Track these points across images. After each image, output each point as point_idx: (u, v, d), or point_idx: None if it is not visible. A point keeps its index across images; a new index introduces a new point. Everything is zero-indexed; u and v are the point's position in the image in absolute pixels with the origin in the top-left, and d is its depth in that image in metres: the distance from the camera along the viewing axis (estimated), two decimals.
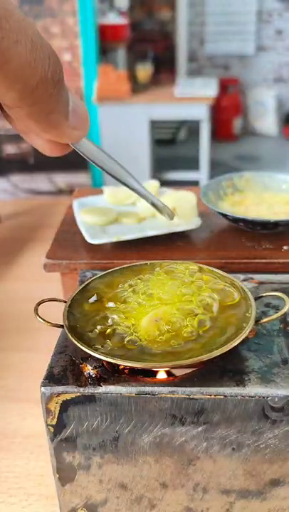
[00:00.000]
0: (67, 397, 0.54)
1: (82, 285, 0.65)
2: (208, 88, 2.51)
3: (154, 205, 0.42)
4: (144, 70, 2.69)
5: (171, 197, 0.95)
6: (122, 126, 2.41)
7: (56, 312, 0.63)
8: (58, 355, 0.59)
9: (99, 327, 0.57)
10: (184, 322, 0.56)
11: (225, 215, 0.89)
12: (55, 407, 0.55)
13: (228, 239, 0.90)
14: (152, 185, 1.01)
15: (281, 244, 0.86)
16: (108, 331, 0.56)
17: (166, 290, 0.62)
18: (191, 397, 0.53)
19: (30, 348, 1.44)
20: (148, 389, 0.53)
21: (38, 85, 0.24)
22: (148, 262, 0.70)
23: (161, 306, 0.59)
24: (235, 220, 0.89)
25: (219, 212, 0.89)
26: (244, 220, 0.87)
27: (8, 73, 0.23)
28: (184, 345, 0.54)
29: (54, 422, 0.56)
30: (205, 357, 0.51)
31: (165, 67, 3.56)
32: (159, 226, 0.90)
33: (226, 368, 0.56)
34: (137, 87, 2.55)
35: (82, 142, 0.34)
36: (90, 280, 0.66)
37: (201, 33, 3.80)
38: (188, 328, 0.56)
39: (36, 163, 2.63)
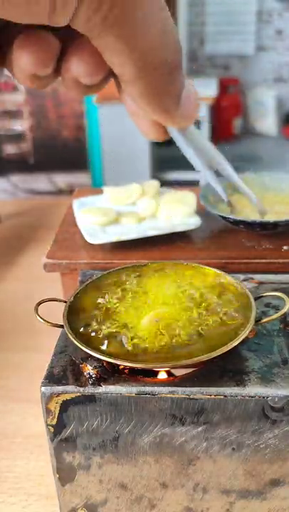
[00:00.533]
0: (67, 397, 0.54)
1: (82, 285, 0.65)
2: (208, 88, 2.51)
3: (252, 200, 0.44)
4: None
5: (170, 197, 0.95)
6: (122, 126, 2.41)
7: (56, 312, 0.63)
8: (58, 355, 0.58)
9: (99, 327, 0.57)
10: (183, 322, 0.56)
11: (225, 218, 0.89)
12: (55, 407, 0.55)
13: (228, 239, 0.90)
14: (152, 185, 1.01)
15: (281, 244, 0.86)
16: (108, 331, 0.56)
17: (166, 290, 0.62)
18: (191, 397, 0.53)
19: (30, 348, 1.44)
20: (148, 389, 0.53)
21: (159, 66, 0.25)
22: (148, 262, 0.70)
23: (161, 307, 0.59)
24: (236, 223, 0.88)
25: (220, 215, 0.89)
26: (243, 222, 0.87)
27: (136, 48, 0.24)
28: (183, 346, 0.54)
29: (54, 422, 0.56)
30: (205, 357, 0.51)
31: None
32: (159, 226, 0.90)
33: (226, 367, 0.56)
34: None
35: (187, 131, 0.34)
36: (90, 280, 0.66)
37: (201, 33, 3.80)
38: (188, 328, 0.56)
39: (36, 163, 2.63)
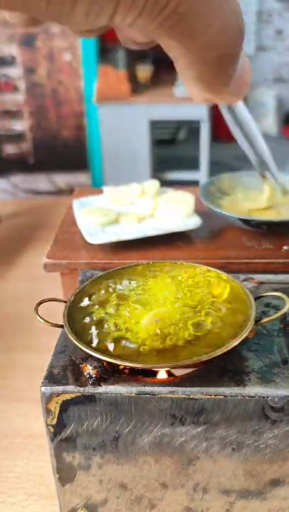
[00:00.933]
0: (67, 397, 0.54)
1: (83, 285, 0.65)
2: None
3: (277, 183, 0.45)
4: (144, 70, 2.69)
5: (170, 197, 0.95)
6: (122, 126, 2.41)
7: (56, 312, 0.63)
8: (58, 355, 0.58)
9: (99, 327, 0.57)
10: (183, 322, 0.56)
11: (226, 216, 0.89)
12: (55, 407, 0.55)
13: (228, 239, 0.90)
14: (152, 185, 1.01)
15: (281, 244, 0.86)
16: (108, 330, 0.56)
17: (165, 290, 0.62)
18: (191, 397, 0.53)
19: (31, 348, 1.44)
20: (148, 389, 0.53)
21: (214, 61, 0.24)
22: (148, 261, 0.70)
23: (160, 307, 0.59)
24: (253, 225, 0.88)
25: (222, 214, 0.89)
26: (246, 221, 0.87)
27: (191, 46, 0.23)
28: (183, 346, 0.54)
29: (54, 422, 0.56)
30: (205, 357, 0.51)
31: (165, 67, 3.56)
32: (158, 226, 0.90)
33: (226, 368, 0.56)
34: (137, 87, 2.55)
35: (238, 106, 0.34)
36: (90, 280, 0.66)
37: None
38: (188, 328, 0.56)
39: (36, 163, 2.63)
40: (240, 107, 0.35)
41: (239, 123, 0.37)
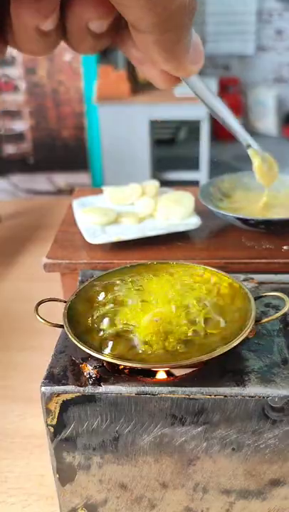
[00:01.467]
0: (67, 397, 0.54)
1: (82, 285, 0.65)
2: None
3: (249, 146, 0.46)
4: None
5: (170, 197, 0.95)
6: (122, 126, 2.41)
7: (56, 312, 0.63)
8: (58, 355, 0.58)
9: (99, 327, 0.57)
10: (183, 322, 0.56)
11: (226, 215, 0.89)
12: (55, 407, 0.55)
13: (228, 239, 0.90)
14: (152, 185, 1.01)
15: (281, 244, 0.86)
16: (108, 330, 0.56)
17: (165, 290, 0.62)
18: (191, 397, 0.53)
19: (31, 348, 1.44)
20: (148, 389, 0.53)
21: (176, 11, 0.23)
22: (148, 262, 0.70)
23: (160, 306, 0.59)
24: (252, 224, 0.88)
25: (220, 213, 0.89)
26: (245, 220, 0.87)
27: (154, 13, 0.22)
28: (183, 345, 0.54)
29: (54, 422, 0.56)
30: (205, 357, 0.51)
31: None
32: (158, 226, 0.90)
33: (226, 368, 0.56)
34: (137, 87, 2.55)
35: (192, 78, 0.35)
36: (90, 280, 0.66)
37: (201, 33, 3.80)
38: (188, 328, 0.56)
39: (36, 163, 2.63)
40: (198, 81, 0.36)
41: (200, 95, 0.38)
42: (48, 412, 0.55)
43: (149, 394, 0.53)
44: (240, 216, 0.87)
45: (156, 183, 1.02)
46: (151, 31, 0.24)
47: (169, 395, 0.53)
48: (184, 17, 0.24)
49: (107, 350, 0.54)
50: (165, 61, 0.26)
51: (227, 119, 0.42)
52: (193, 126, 2.96)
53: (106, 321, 0.58)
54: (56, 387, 0.54)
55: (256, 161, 0.49)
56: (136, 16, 0.23)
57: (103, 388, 0.53)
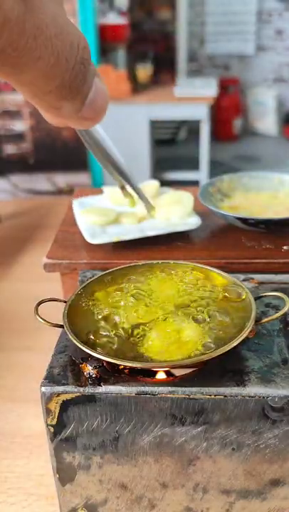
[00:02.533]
0: (67, 397, 0.54)
1: (82, 285, 0.65)
2: (208, 88, 2.51)
3: (142, 199, 0.46)
4: (144, 70, 2.69)
5: (170, 197, 0.95)
6: (122, 126, 2.41)
7: (56, 312, 0.63)
8: (58, 355, 0.58)
9: (99, 327, 0.57)
10: (183, 322, 0.56)
11: (225, 216, 0.89)
12: (55, 407, 0.55)
13: (228, 239, 0.90)
14: (152, 185, 1.01)
15: (281, 244, 0.86)
16: (108, 330, 0.56)
17: (165, 290, 0.62)
18: (191, 397, 0.53)
19: (30, 348, 1.44)
20: (148, 389, 0.53)
21: (52, 91, 0.24)
22: (148, 262, 0.70)
23: (160, 306, 0.59)
24: (251, 224, 0.88)
25: (220, 213, 0.89)
26: (245, 220, 0.87)
27: (21, 82, 0.23)
28: (183, 345, 0.54)
29: (54, 422, 0.56)
30: (205, 357, 0.51)
31: (165, 67, 3.56)
32: (158, 226, 0.90)
33: (226, 367, 0.56)
34: (137, 87, 2.55)
35: (90, 129, 0.35)
36: (90, 280, 0.66)
37: (201, 33, 3.80)
38: (188, 328, 0.56)
39: (36, 163, 2.63)
40: (96, 129, 0.36)
41: (96, 144, 0.37)
42: (48, 412, 0.55)
43: (149, 394, 0.53)
44: (240, 216, 0.87)
45: (156, 183, 1.02)
46: (32, 100, 0.25)
47: (169, 395, 0.53)
48: (62, 94, 0.25)
49: (107, 350, 0.54)
50: (51, 117, 0.27)
51: (126, 175, 0.42)
52: (193, 126, 2.97)
53: (106, 320, 0.58)
54: (56, 387, 0.54)
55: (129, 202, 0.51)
56: (12, 83, 0.24)
57: (103, 388, 0.53)
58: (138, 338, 0.55)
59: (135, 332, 0.56)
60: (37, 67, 0.23)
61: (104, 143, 0.37)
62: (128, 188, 0.44)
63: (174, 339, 0.55)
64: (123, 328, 0.56)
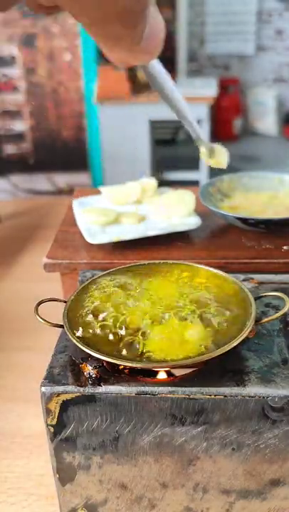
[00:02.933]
0: (67, 397, 0.54)
1: (82, 285, 0.65)
2: (208, 88, 2.51)
3: (199, 140, 0.46)
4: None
5: (170, 197, 0.95)
6: (122, 126, 2.40)
7: (56, 312, 0.63)
8: (58, 355, 0.58)
9: (99, 327, 0.57)
10: (185, 321, 0.56)
11: (225, 216, 0.89)
12: (55, 407, 0.55)
13: (228, 239, 0.90)
14: (150, 184, 1.01)
15: (281, 244, 0.86)
16: (108, 330, 0.56)
17: (165, 290, 0.62)
18: (191, 397, 0.53)
19: (30, 348, 1.44)
20: (148, 389, 0.53)
21: (112, 19, 0.24)
22: (148, 261, 0.70)
23: (160, 306, 0.59)
24: (251, 224, 0.88)
25: (220, 213, 0.89)
26: (244, 220, 0.87)
27: (81, 6, 0.23)
28: (183, 345, 0.54)
29: (54, 422, 0.56)
30: (205, 357, 0.51)
31: (165, 67, 3.55)
32: (158, 226, 0.90)
33: (226, 367, 0.56)
34: (137, 87, 2.55)
35: (150, 64, 0.34)
36: (90, 280, 0.66)
37: (201, 33, 3.80)
38: (188, 328, 0.56)
39: (36, 163, 2.63)
40: (155, 66, 0.35)
41: (154, 79, 0.37)
42: (48, 412, 0.55)
43: (149, 394, 0.53)
44: (240, 216, 0.87)
45: (153, 181, 1.02)
46: (89, 28, 0.24)
47: (169, 395, 0.53)
48: (122, 24, 0.24)
49: (107, 350, 0.53)
50: (110, 51, 0.27)
51: (182, 111, 0.42)
52: None
53: (106, 321, 0.58)
54: (56, 387, 0.54)
55: (202, 149, 0.54)
56: (72, 12, 0.24)
57: (103, 388, 0.53)
58: (139, 337, 0.55)
59: (135, 332, 0.56)
60: None
61: (162, 79, 0.37)
62: (188, 126, 0.44)
63: (178, 337, 0.55)
64: (123, 328, 0.56)
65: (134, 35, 0.26)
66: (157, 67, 0.36)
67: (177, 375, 0.55)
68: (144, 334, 0.55)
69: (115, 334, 0.56)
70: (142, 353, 0.53)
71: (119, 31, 0.25)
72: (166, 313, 0.57)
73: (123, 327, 0.56)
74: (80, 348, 0.54)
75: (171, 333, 0.55)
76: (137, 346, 0.54)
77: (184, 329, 0.55)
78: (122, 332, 0.56)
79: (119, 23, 0.24)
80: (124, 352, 0.53)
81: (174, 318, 0.57)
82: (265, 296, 0.62)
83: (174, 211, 0.92)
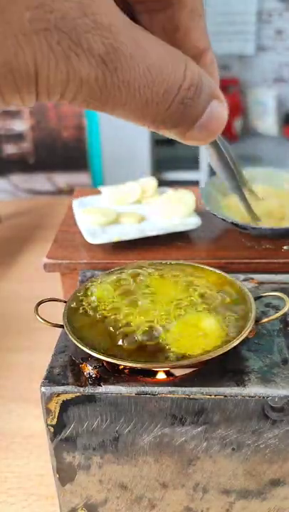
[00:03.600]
0: (67, 397, 0.54)
1: (82, 285, 0.65)
2: None
3: (250, 211, 0.46)
4: None
5: (170, 197, 0.95)
6: (122, 126, 2.40)
7: (56, 312, 0.63)
8: (58, 355, 0.58)
9: (99, 327, 0.57)
10: (193, 316, 0.56)
11: (225, 220, 0.89)
12: (55, 407, 0.55)
13: (228, 239, 0.90)
14: (150, 183, 1.01)
15: (281, 244, 0.86)
16: (108, 330, 0.56)
17: (165, 290, 0.62)
18: (191, 397, 0.53)
19: (30, 348, 1.44)
20: (148, 389, 0.53)
21: (146, 124, 0.24)
22: (148, 261, 0.70)
23: (160, 306, 0.59)
24: (237, 226, 0.88)
25: (220, 218, 0.89)
26: (243, 227, 0.86)
27: (112, 114, 0.23)
28: (183, 345, 0.54)
29: (54, 422, 0.56)
30: (205, 357, 0.52)
31: None
32: (159, 226, 0.90)
33: (226, 367, 0.56)
34: None
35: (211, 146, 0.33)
36: (90, 280, 0.66)
37: None
38: (188, 327, 0.56)
39: (36, 163, 2.63)
40: (216, 145, 0.34)
41: (217, 161, 0.36)
42: (48, 412, 0.55)
43: (149, 394, 0.53)
44: (238, 222, 0.86)
45: (153, 181, 1.02)
46: (137, 123, 0.24)
47: (169, 395, 0.53)
48: (167, 123, 0.24)
49: (107, 350, 0.53)
50: (164, 134, 0.26)
51: (239, 188, 0.41)
52: None
53: (106, 320, 0.58)
54: (56, 387, 0.54)
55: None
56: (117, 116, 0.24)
57: (103, 388, 0.53)
58: (138, 337, 0.55)
59: (135, 331, 0.56)
60: (124, 109, 0.22)
61: (223, 159, 0.35)
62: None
63: (196, 329, 0.54)
64: (123, 328, 0.56)
65: (178, 131, 0.25)
66: (218, 146, 0.34)
67: (177, 375, 0.55)
68: (145, 333, 0.55)
69: (115, 334, 0.56)
70: (142, 353, 0.53)
71: (157, 130, 0.25)
72: (168, 313, 0.57)
73: (123, 327, 0.56)
74: (80, 348, 0.54)
75: (185, 327, 0.55)
76: (138, 346, 0.54)
77: (198, 322, 0.55)
78: (122, 331, 0.56)
79: (154, 127, 0.24)
80: (124, 351, 0.53)
81: (175, 317, 0.57)
82: (265, 296, 0.62)
83: (174, 211, 0.92)
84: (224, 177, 0.38)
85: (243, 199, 0.44)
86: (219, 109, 0.26)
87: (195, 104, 0.24)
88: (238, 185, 0.40)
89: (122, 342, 0.54)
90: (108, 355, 0.52)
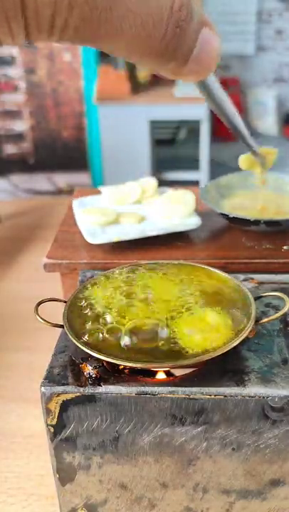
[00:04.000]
0: (67, 397, 0.54)
1: (82, 285, 0.65)
2: None
3: (254, 153, 0.47)
4: (144, 70, 2.69)
5: (170, 197, 0.95)
6: (122, 126, 2.40)
7: (56, 312, 0.63)
8: (58, 355, 0.58)
9: (99, 327, 0.57)
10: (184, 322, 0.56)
11: (225, 216, 0.89)
12: (55, 407, 0.55)
13: (228, 239, 0.90)
14: (150, 183, 1.01)
15: (281, 244, 0.86)
16: (108, 330, 0.56)
17: (166, 290, 0.62)
18: (191, 397, 0.53)
19: (30, 348, 1.44)
20: (148, 389, 0.53)
21: (144, 57, 0.23)
22: (148, 261, 0.70)
23: (161, 306, 0.59)
24: (237, 221, 0.88)
25: (220, 213, 0.89)
26: (245, 220, 0.87)
27: (108, 50, 0.23)
28: (183, 345, 0.54)
29: (54, 422, 0.56)
30: (205, 357, 0.51)
31: None
32: (158, 226, 0.90)
33: (226, 368, 0.56)
34: (137, 87, 2.55)
35: (205, 81, 0.33)
36: (90, 280, 0.66)
37: None
38: (188, 328, 0.56)
39: (36, 163, 2.63)
40: (211, 81, 0.34)
41: (212, 98, 0.36)
42: (48, 412, 0.55)
43: (149, 394, 0.53)
44: (240, 216, 0.87)
45: (153, 181, 1.02)
46: (128, 57, 0.24)
47: (169, 395, 0.53)
48: (160, 56, 0.24)
49: (107, 350, 0.53)
50: (157, 71, 0.26)
51: (238, 126, 0.41)
52: (193, 126, 2.96)
53: (106, 320, 0.58)
54: (56, 387, 0.54)
55: (257, 160, 0.55)
56: (117, 55, 0.24)
57: (103, 388, 0.53)
58: (138, 337, 0.55)
59: (135, 331, 0.56)
60: (119, 38, 0.22)
61: (218, 94, 0.36)
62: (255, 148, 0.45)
63: (203, 325, 0.54)
64: (123, 327, 0.56)
65: (176, 64, 0.25)
66: (212, 82, 0.34)
67: (177, 375, 0.55)
68: (145, 332, 0.55)
69: (115, 334, 0.56)
70: (142, 353, 0.53)
71: (155, 65, 0.25)
72: (167, 312, 0.57)
73: (123, 327, 0.56)
74: (80, 348, 0.54)
75: (185, 327, 0.55)
76: (138, 346, 0.54)
77: (198, 320, 0.55)
78: (122, 332, 0.56)
79: (153, 61, 0.24)
80: (124, 352, 0.53)
81: (175, 316, 0.57)
82: (265, 296, 0.62)
83: (174, 211, 0.92)
84: (223, 119, 0.39)
85: (242, 136, 0.44)
86: (210, 36, 0.26)
87: (189, 28, 0.24)
88: (235, 126, 0.41)
89: (122, 342, 0.54)
90: (108, 355, 0.52)
